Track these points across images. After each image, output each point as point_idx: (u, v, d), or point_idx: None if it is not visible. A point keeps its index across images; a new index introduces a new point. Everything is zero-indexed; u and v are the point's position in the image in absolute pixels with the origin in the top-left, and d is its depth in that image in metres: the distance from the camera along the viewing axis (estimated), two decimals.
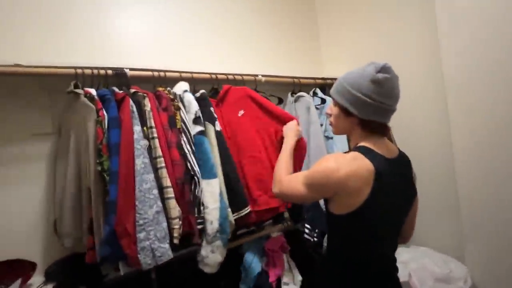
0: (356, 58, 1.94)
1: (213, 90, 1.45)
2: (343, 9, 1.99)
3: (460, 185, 1.37)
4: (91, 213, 0.97)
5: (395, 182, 0.81)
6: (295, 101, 1.64)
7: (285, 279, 1.41)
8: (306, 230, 1.46)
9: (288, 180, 0.91)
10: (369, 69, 0.79)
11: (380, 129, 0.83)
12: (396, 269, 0.91)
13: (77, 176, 1.04)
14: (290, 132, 1.16)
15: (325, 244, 1.37)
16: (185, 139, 1.13)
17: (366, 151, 0.79)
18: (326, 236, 1.32)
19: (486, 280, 1.33)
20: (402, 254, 1.50)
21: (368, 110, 0.79)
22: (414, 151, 1.61)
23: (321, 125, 1.59)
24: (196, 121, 1.18)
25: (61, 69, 1.11)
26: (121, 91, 1.15)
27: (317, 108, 1.62)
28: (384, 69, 0.79)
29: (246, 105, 1.35)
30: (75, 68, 1.12)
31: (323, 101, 1.65)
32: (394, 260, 0.91)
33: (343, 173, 0.75)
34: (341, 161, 0.77)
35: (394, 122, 1.63)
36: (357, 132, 0.85)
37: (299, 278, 1.43)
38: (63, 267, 1.13)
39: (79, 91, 1.07)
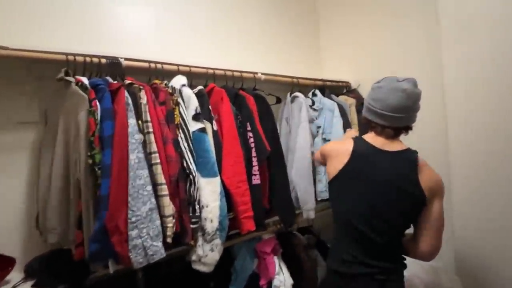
0: (356, 61, 1.96)
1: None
2: (345, 10, 2.00)
3: (455, 197, 1.39)
4: (80, 208, 0.92)
5: (374, 163, 0.97)
6: (291, 101, 1.63)
7: (276, 282, 1.40)
8: None
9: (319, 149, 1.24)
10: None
11: (376, 127, 1.01)
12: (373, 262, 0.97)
13: (65, 168, 0.98)
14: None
15: None
16: (182, 135, 1.09)
17: (357, 139, 1.04)
18: None
19: None
20: None
21: (364, 110, 1.05)
22: None
23: (319, 127, 1.59)
24: (196, 117, 1.14)
25: (51, 55, 1.05)
26: (116, 82, 1.10)
27: (315, 110, 1.61)
28: (381, 80, 1.00)
29: (219, 111, 1.29)
30: (67, 54, 1.06)
31: (313, 102, 1.65)
32: (374, 248, 0.96)
33: (328, 147, 1.11)
34: (333, 142, 1.27)
35: None
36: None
37: (290, 281, 1.42)
38: (44, 263, 1.07)
39: (70, 78, 1.01)
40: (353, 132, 1.44)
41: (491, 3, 1.26)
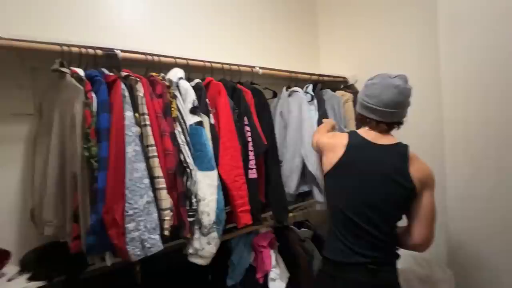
0: (353, 57, 1.96)
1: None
2: (343, 6, 2.00)
3: (449, 192, 1.41)
4: (77, 200, 0.91)
5: (368, 156, 1.01)
6: (289, 95, 1.63)
7: (272, 275, 1.41)
8: None
9: (314, 138, 1.29)
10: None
11: (369, 122, 1.05)
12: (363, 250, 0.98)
13: (61, 160, 0.97)
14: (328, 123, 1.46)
15: None
16: (179, 129, 1.08)
17: (351, 133, 1.08)
18: None
19: (469, 284, 1.38)
20: None
21: (358, 106, 1.10)
22: None
23: None
24: (193, 110, 1.13)
25: (45, 45, 1.02)
26: (112, 74, 1.08)
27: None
28: (375, 77, 1.04)
29: (216, 104, 1.27)
30: (61, 45, 1.03)
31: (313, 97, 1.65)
32: (366, 239, 0.98)
33: (324, 140, 1.14)
34: (329, 135, 1.19)
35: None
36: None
37: (286, 274, 1.43)
38: (40, 256, 1.07)
39: (65, 70, 0.99)
40: (330, 120, 1.49)
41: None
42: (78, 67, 1.05)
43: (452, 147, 1.40)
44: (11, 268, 1.03)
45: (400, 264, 1.48)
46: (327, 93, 1.73)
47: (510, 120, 1.24)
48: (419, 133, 1.61)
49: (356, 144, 1.03)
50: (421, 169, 0.99)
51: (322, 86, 1.75)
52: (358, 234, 0.99)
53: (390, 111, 1.00)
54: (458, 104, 1.38)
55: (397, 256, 1.05)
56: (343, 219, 1.02)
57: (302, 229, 1.73)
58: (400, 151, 1.01)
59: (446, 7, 1.38)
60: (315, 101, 1.63)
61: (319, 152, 1.19)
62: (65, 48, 1.03)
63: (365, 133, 1.06)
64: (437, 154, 1.50)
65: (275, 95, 1.64)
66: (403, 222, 1.06)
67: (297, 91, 1.60)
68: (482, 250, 1.35)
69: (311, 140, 1.50)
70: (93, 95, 0.95)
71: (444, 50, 1.39)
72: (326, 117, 1.63)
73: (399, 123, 1.06)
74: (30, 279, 0.99)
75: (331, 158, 1.05)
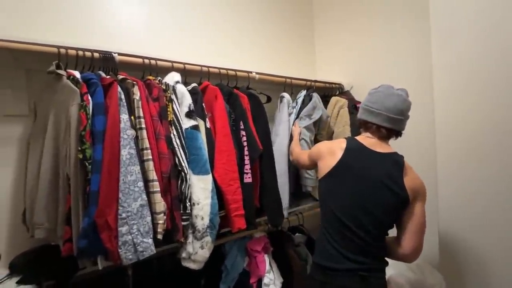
0: (349, 64, 1.99)
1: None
2: (340, 14, 2.04)
3: (440, 194, 1.43)
4: (69, 203, 0.90)
5: (365, 162, 1.02)
6: (280, 101, 1.65)
7: (265, 280, 1.40)
8: None
9: (299, 153, 1.38)
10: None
11: (370, 127, 1.08)
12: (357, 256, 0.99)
13: (54, 162, 0.96)
14: (296, 134, 1.57)
15: None
16: (175, 132, 1.08)
17: (349, 138, 1.12)
18: None
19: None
20: None
21: (360, 112, 1.12)
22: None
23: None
24: (189, 114, 1.14)
25: (42, 47, 1.03)
26: (108, 77, 1.08)
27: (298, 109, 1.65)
28: (379, 86, 1.09)
29: (212, 108, 1.29)
30: (58, 47, 1.04)
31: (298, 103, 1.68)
32: (357, 243, 0.99)
33: (322, 146, 1.17)
34: (325, 142, 1.23)
35: None
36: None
37: (280, 279, 1.43)
38: (31, 259, 1.05)
39: (62, 72, 1.00)
40: (297, 131, 1.56)
41: (480, 10, 1.30)
42: (75, 69, 1.05)
43: (443, 152, 1.42)
44: (0, 271, 1.01)
45: (392, 269, 1.49)
46: (313, 95, 1.75)
47: (499, 125, 1.27)
48: (412, 139, 1.63)
49: (353, 148, 1.06)
50: (415, 180, 1.01)
51: (318, 92, 1.77)
52: (349, 238, 1.00)
53: (391, 116, 1.02)
54: (450, 110, 1.41)
55: (386, 263, 1.06)
56: (334, 222, 1.03)
57: (297, 234, 1.73)
58: (396, 160, 1.02)
59: (438, 18, 1.41)
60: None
61: (312, 161, 1.20)
62: (62, 50, 1.04)
63: (363, 139, 1.08)
64: (429, 159, 1.51)
65: (269, 100, 1.65)
66: (392, 233, 1.07)
67: (284, 96, 1.63)
68: (474, 254, 1.37)
69: (282, 142, 1.54)
70: (89, 97, 0.95)
71: (436, 59, 1.43)
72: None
73: (397, 133, 1.08)
74: (19, 282, 0.97)
75: (330, 161, 1.06)
